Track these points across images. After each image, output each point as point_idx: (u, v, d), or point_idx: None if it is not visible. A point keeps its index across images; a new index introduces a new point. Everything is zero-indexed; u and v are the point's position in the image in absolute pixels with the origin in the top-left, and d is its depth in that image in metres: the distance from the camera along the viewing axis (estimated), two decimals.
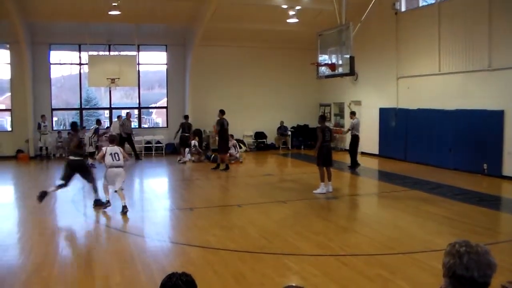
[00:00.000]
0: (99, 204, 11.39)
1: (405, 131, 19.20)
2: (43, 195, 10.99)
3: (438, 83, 17.58)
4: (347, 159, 18.47)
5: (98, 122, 20.06)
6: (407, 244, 8.26)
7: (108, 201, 11.12)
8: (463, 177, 15.36)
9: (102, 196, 11.35)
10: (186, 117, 21.09)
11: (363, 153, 21.94)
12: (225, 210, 11.26)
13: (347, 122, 23.56)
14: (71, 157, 11.52)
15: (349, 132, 18.48)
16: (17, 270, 7.07)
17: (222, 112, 17.58)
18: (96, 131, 19.26)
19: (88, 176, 11.78)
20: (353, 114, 18.60)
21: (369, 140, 21.43)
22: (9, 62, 22.11)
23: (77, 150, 11.62)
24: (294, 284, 3.52)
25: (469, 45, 16.23)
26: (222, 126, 17.39)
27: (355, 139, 17.89)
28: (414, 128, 18.73)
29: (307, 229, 9.30)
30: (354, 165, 17.77)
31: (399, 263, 7.24)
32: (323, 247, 8.05)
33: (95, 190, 11.60)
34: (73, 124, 12.87)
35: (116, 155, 11.02)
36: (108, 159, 10.97)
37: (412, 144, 18.90)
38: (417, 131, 18.53)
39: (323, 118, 13.82)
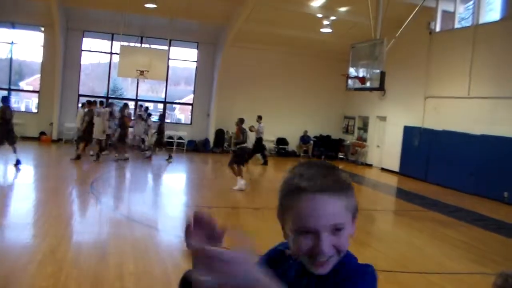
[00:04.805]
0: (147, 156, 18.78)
1: (428, 151, 19.01)
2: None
3: (465, 107, 17.37)
4: (367, 173, 18.29)
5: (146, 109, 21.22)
6: (421, 264, 8.16)
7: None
8: (483, 203, 15.14)
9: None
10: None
11: (383, 169, 21.82)
12: (242, 212, 11.25)
13: (370, 136, 23.52)
14: None
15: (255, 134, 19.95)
16: (32, 250, 7.12)
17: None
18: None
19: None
20: (259, 118, 20.21)
21: (391, 157, 21.30)
22: (42, 44, 22.46)
23: None
24: None
25: (501, 71, 16.03)
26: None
27: (258, 141, 19.86)
28: (437, 149, 18.52)
29: None
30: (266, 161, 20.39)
31: (413, 283, 7.16)
32: None
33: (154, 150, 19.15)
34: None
35: None
36: None
37: (434, 165, 18.70)
38: (440, 153, 18.32)
39: None
